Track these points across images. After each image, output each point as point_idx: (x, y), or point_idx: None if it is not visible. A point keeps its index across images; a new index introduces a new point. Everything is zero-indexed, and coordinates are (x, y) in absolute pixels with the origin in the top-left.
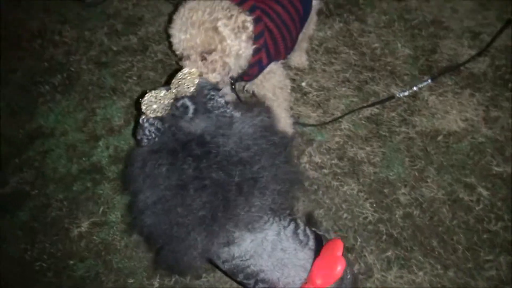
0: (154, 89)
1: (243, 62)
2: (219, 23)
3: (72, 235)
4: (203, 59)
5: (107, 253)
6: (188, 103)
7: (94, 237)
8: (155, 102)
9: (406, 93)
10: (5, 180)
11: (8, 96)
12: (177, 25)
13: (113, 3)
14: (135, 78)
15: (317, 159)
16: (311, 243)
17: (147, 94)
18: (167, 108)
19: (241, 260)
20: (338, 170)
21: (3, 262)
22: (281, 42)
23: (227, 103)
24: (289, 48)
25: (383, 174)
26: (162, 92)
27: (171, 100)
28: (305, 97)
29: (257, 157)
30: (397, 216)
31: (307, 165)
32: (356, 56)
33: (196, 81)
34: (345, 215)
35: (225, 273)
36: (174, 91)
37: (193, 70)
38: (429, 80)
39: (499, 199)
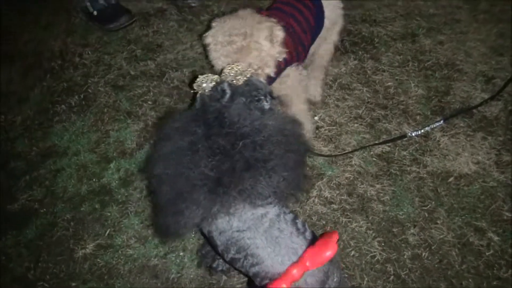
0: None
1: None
2: (260, 38)
3: (76, 256)
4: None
5: (110, 277)
6: (226, 88)
7: (98, 260)
8: (206, 82)
9: (418, 133)
10: (15, 197)
11: (25, 113)
12: (220, 51)
13: (134, 30)
14: (150, 102)
15: (326, 193)
16: (308, 233)
17: (201, 76)
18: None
19: (238, 231)
20: (347, 206)
21: (5, 279)
22: (293, 50)
23: (271, 109)
24: (302, 56)
25: (392, 213)
26: (215, 76)
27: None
28: (317, 131)
29: (270, 145)
30: (405, 256)
31: (316, 200)
32: (370, 94)
33: (248, 75)
34: (352, 252)
35: (216, 250)
36: (223, 77)
37: (244, 66)
38: (442, 121)
39: (510, 246)
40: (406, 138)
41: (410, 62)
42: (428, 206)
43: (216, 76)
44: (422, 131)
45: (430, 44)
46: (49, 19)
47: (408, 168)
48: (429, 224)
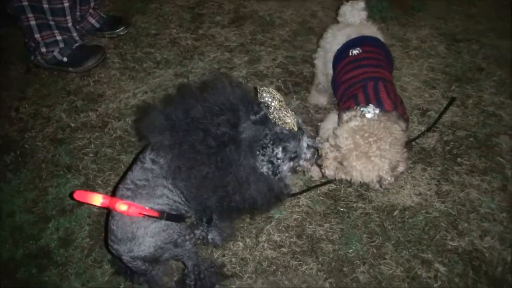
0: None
1: None
2: (400, 167)
3: None
4: (340, 163)
5: None
6: (263, 111)
7: None
8: (267, 96)
9: None
10: None
11: None
12: (351, 134)
13: (74, 80)
14: (91, 155)
15: (275, 237)
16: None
17: (269, 88)
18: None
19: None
20: (297, 249)
21: None
22: None
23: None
24: None
25: (342, 251)
26: (278, 94)
27: (269, 104)
28: None
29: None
30: None
31: (265, 244)
32: (313, 132)
33: (296, 128)
34: None
35: None
36: (278, 105)
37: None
38: None
39: (456, 275)
40: None
41: None
42: (376, 242)
43: (278, 95)
44: None
45: None
46: None
47: (355, 205)
48: (378, 260)
